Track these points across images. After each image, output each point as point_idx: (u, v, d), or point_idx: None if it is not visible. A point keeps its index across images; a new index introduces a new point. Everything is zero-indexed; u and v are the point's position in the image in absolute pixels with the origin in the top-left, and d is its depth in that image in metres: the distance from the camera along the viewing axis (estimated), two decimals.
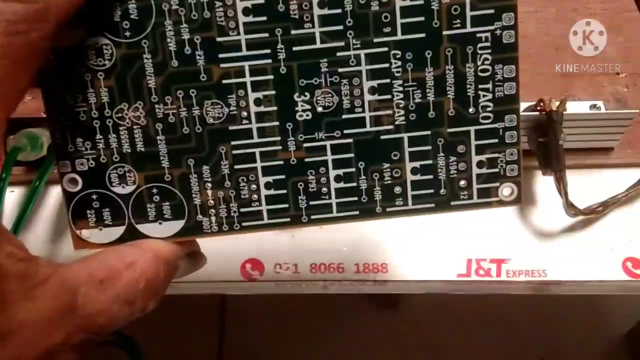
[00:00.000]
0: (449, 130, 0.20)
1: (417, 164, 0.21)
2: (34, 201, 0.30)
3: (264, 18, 0.19)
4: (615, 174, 0.32)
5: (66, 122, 0.20)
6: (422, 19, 0.19)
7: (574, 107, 0.31)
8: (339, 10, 0.19)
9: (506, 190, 0.21)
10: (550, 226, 0.31)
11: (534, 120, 0.30)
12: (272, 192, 0.21)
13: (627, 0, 0.36)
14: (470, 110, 0.20)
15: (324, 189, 0.21)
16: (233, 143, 0.20)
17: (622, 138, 0.31)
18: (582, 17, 0.36)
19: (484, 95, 0.20)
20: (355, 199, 0.21)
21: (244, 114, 0.20)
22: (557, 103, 0.29)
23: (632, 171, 0.32)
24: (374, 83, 0.20)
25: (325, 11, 0.19)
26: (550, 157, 0.29)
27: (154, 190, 0.20)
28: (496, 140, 0.20)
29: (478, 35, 0.20)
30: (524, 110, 0.30)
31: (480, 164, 0.21)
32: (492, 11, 0.20)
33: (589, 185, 0.31)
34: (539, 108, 0.30)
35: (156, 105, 0.20)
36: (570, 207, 0.29)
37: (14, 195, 0.30)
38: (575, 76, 0.34)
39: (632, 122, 0.30)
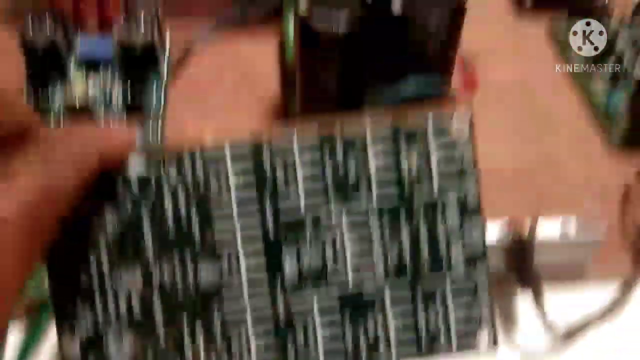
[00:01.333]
0: (426, 288, 0.22)
1: (398, 321, 0.22)
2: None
3: (254, 190, 0.21)
4: (591, 290, 0.33)
5: (66, 290, 0.21)
6: (395, 186, 0.22)
7: (545, 228, 0.33)
8: (321, 182, 0.22)
9: (483, 340, 0.23)
10: (531, 345, 0.32)
11: (507, 240, 0.31)
12: (264, 355, 0.22)
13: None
14: (444, 269, 0.22)
15: (313, 352, 0.22)
16: (225, 307, 0.22)
17: (595, 254, 0.33)
18: (549, 143, 0.39)
19: (455, 255, 0.22)
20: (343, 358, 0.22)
21: (236, 278, 0.22)
22: (528, 223, 0.31)
23: (608, 286, 0.33)
24: (355, 246, 0.22)
25: (309, 184, 0.22)
26: (525, 276, 0.31)
27: (149, 353, 0.21)
28: (470, 295, 0.22)
29: (445, 199, 0.22)
30: (497, 231, 0.32)
31: (456, 316, 0.22)
32: (457, 177, 0.22)
33: (566, 302, 0.33)
34: (511, 231, 0.32)
35: (152, 272, 0.21)
36: (549, 327, 0.31)
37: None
38: (546, 199, 0.36)
39: (602, 239, 0.32)
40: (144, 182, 0.21)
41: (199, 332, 0.22)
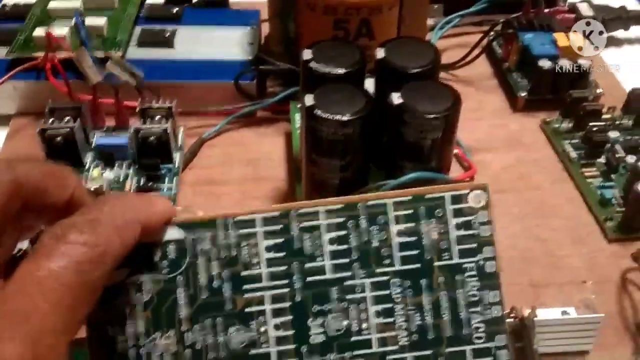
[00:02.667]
0: (447, 349, 0.23)
1: None
2: None
3: (283, 254, 0.23)
4: None
5: (104, 351, 0.22)
6: (416, 252, 0.23)
7: (545, 314, 0.33)
8: (346, 246, 0.23)
9: None
10: None
11: (509, 327, 0.32)
12: None
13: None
14: (464, 331, 0.23)
15: None
16: None
17: (596, 341, 0.34)
18: (546, 231, 0.40)
19: (475, 318, 0.23)
20: None
21: (264, 338, 0.22)
22: (528, 310, 0.32)
23: None
24: (379, 307, 0.23)
25: (335, 247, 0.23)
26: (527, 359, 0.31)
27: None
28: (490, 359, 0.23)
29: (464, 265, 0.23)
30: None
31: None
32: (474, 245, 0.23)
33: None
34: (512, 315, 0.32)
35: (185, 334, 0.22)
36: None
37: None
38: (545, 286, 0.37)
39: (602, 325, 0.33)
40: (179, 248, 0.22)
41: None
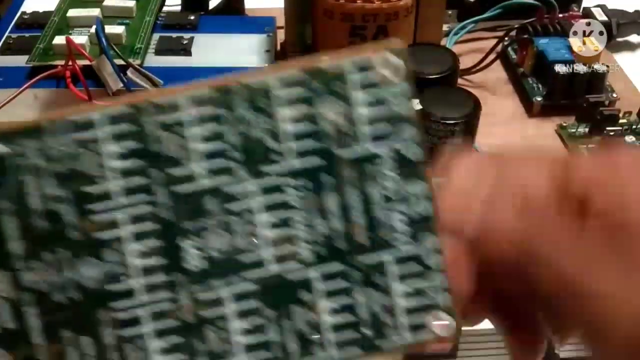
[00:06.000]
0: (363, 260, 0.18)
1: (333, 304, 0.18)
2: None
3: (138, 160, 0.17)
4: None
5: None
6: (313, 142, 0.17)
7: None
8: (220, 143, 0.17)
9: (439, 322, 0.18)
10: None
11: None
12: (167, 358, 0.17)
13: None
14: (383, 234, 0.18)
15: (230, 348, 0.17)
16: (115, 306, 0.17)
17: None
18: None
19: (395, 217, 0.18)
20: (270, 355, 0.17)
21: (124, 270, 0.17)
22: None
23: None
24: (271, 217, 0.17)
25: (206, 145, 0.17)
26: None
27: None
28: (420, 268, 0.18)
29: (376, 152, 0.18)
30: None
31: (405, 296, 0.18)
32: (389, 126, 0.17)
33: None
34: None
35: (22, 273, 0.17)
36: None
37: None
38: None
39: None
40: None
41: (87, 344, 0.17)
